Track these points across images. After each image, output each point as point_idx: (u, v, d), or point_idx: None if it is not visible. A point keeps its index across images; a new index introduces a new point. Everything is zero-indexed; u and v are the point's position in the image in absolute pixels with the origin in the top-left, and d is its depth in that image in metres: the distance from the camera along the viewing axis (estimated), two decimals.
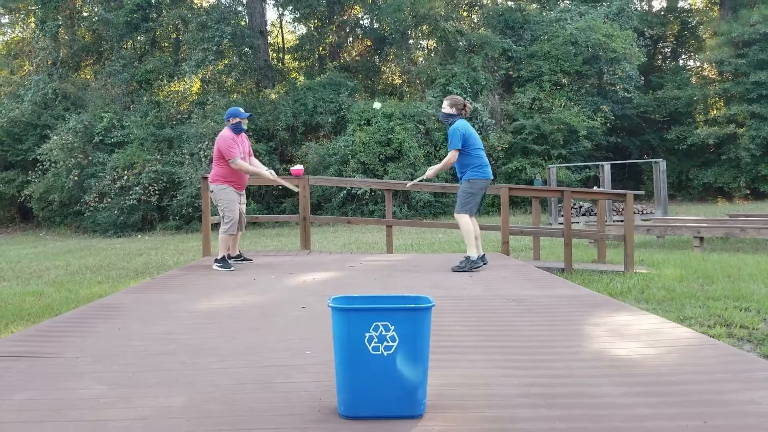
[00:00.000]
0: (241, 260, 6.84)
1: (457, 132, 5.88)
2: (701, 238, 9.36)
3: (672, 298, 5.38)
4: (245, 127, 6.52)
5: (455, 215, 6.09)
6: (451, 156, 5.94)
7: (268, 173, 6.59)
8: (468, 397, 2.40)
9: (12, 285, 7.86)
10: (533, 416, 2.20)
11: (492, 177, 6.15)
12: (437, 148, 19.34)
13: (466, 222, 5.97)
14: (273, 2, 24.75)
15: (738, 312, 4.78)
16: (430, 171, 6.23)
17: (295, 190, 7.09)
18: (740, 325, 4.46)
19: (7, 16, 25.14)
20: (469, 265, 5.85)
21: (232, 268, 6.24)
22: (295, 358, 3.00)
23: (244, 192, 6.64)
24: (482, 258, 6.03)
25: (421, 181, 6.72)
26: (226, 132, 6.30)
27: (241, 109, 6.49)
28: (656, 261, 7.78)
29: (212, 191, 6.41)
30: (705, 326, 4.45)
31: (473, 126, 20.67)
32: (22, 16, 24.58)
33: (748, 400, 2.31)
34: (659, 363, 2.81)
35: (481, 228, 8.68)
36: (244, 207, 6.67)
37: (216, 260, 6.35)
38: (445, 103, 6.10)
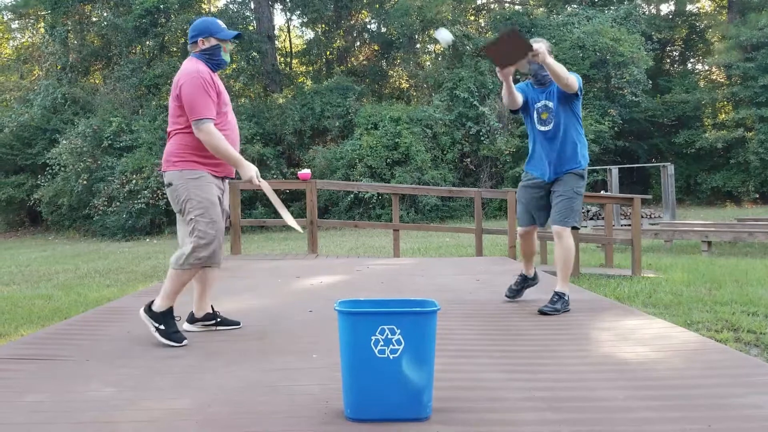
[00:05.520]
0: (214, 324, 3.68)
1: (579, 79, 4.00)
2: (709, 243, 9.32)
3: (679, 302, 5.37)
4: (228, 59, 3.44)
5: (559, 229, 4.05)
6: (574, 79, 3.86)
7: (256, 177, 3.38)
8: (473, 401, 2.41)
9: (22, 288, 7.92)
10: (537, 419, 2.21)
11: None
12: (444, 152, 19.35)
13: (572, 244, 4.08)
14: (281, 7, 24.89)
15: (745, 317, 4.77)
16: (553, 63, 3.75)
17: (298, 229, 3.98)
18: (748, 329, 4.44)
19: (17, 22, 25.40)
20: (563, 306, 4.04)
21: (184, 341, 3.33)
22: (301, 361, 3.02)
23: (226, 180, 3.55)
24: (535, 277, 4.55)
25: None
26: (191, 64, 3.28)
27: (221, 23, 3.43)
28: (664, 265, 7.76)
29: (170, 184, 3.36)
30: (712, 331, 4.44)
31: (479, 130, 20.99)
32: (31, 21, 24.84)
33: (753, 404, 2.32)
34: (665, 367, 2.81)
35: (488, 232, 8.68)
36: (228, 207, 3.65)
37: (149, 311, 3.39)
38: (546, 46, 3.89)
